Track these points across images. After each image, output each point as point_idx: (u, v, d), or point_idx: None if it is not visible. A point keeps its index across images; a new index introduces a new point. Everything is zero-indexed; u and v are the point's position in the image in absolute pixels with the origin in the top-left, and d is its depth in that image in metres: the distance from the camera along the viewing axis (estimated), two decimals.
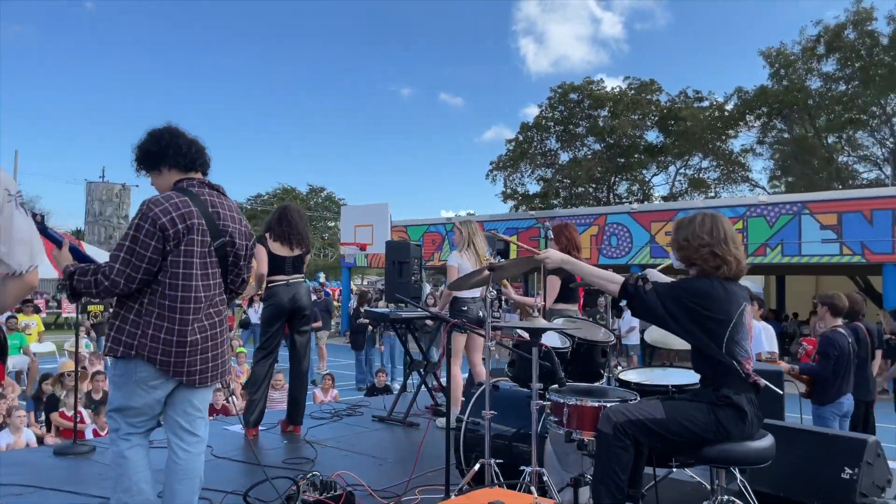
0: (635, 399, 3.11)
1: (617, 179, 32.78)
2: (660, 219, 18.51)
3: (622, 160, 31.57)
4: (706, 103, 30.01)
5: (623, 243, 18.90)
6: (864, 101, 24.64)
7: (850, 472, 3.45)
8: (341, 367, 14.81)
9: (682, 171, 32.16)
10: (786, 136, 28.03)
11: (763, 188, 29.87)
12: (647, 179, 33.23)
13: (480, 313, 6.19)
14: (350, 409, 6.76)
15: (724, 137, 30.04)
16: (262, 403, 5.56)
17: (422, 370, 6.44)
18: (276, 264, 5.49)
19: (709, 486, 3.81)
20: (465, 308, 6.03)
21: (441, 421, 6.14)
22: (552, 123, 32.49)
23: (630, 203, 31.16)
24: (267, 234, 5.54)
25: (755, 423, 2.81)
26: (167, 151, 2.96)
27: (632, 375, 3.56)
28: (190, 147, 2.99)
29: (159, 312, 2.79)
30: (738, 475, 3.36)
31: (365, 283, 34.82)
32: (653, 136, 31.72)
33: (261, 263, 5.46)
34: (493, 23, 63.45)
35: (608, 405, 2.99)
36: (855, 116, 25.45)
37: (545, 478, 3.07)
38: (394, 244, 8.25)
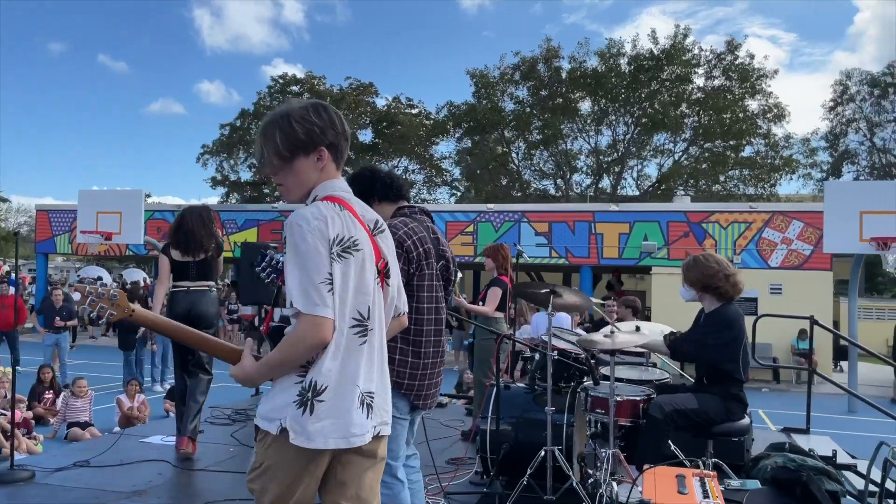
0: (652, 393, 4.23)
1: None
2: None
3: None
4: (416, 111, 32.69)
5: None
6: (545, 125, 29.30)
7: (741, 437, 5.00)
8: (101, 369, 13.55)
9: (396, 171, 34.52)
10: (482, 148, 31.62)
11: (460, 192, 33.49)
12: None
13: None
14: (235, 413, 6.81)
15: (429, 144, 33.05)
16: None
17: None
18: (179, 270, 5.37)
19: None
20: None
21: None
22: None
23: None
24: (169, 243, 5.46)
25: (745, 409, 4.14)
26: (375, 185, 3.17)
27: (623, 372, 4.69)
28: (392, 179, 3.23)
29: (403, 336, 2.85)
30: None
31: (75, 273, 31.23)
32: (366, 137, 33.46)
33: (162, 272, 5.42)
34: None
35: (650, 397, 4.08)
36: (537, 138, 30.06)
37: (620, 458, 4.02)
38: (249, 246, 8.30)
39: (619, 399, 4.07)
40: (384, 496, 3.08)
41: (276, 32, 58.59)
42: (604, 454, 3.92)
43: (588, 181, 32.22)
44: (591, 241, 18.53)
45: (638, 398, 4.11)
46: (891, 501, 4.13)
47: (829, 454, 5.32)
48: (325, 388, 2.00)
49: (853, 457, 5.63)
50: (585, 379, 4.68)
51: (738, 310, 4.16)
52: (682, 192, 24.57)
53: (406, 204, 3.22)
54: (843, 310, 19.67)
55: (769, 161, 26.14)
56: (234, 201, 33.13)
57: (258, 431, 2.13)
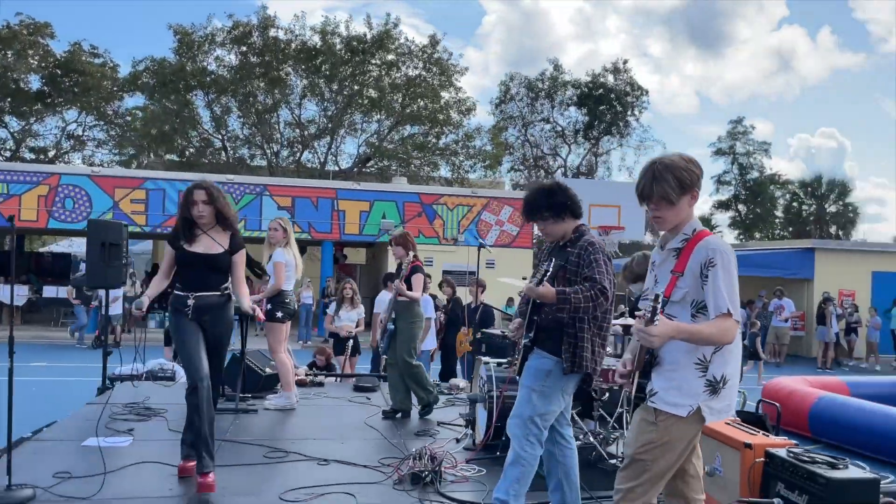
0: None
1: None
2: (125, 185, 18.32)
3: None
4: (101, 61, 29.18)
5: (81, 207, 17.91)
6: (250, 93, 28.67)
7: None
8: None
9: (70, 126, 30.36)
10: (177, 108, 29.49)
11: (156, 155, 30.81)
12: (25, 129, 29.92)
13: (296, 305, 6.92)
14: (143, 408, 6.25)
15: (114, 99, 29.95)
16: None
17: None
18: None
19: None
20: (288, 301, 6.67)
21: (268, 402, 6.61)
22: None
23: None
24: None
25: None
26: (572, 203, 3.74)
27: None
28: (578, 198, 3.79)
29: (598, 332, 3.65)
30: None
31: None
32: (35, 84, 28.86)
33: None
34: None
35: None
36: (240, 104, 29.21)
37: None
38: (99, 223, 7.41)
39: (612, 367, 5.16)
40: (567, 448, 3.76)
41: None
42: (619, 410, 4.98)
43: (286, 152, 32.29)
44: (333, 218, 19.19)
45: None
46: None
47: None
48: (728, 379, 2.74)
49: None
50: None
51: None
52: (400, 174, 26.31)
53: (581, 222, 3.84)
54: None
55: (463, 150, 29.35)
56: None
57: (658, 414, 2.74)
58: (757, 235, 43.25)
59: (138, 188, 18.28)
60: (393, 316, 6.47)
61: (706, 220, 48.72)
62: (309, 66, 28.25)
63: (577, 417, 5.08)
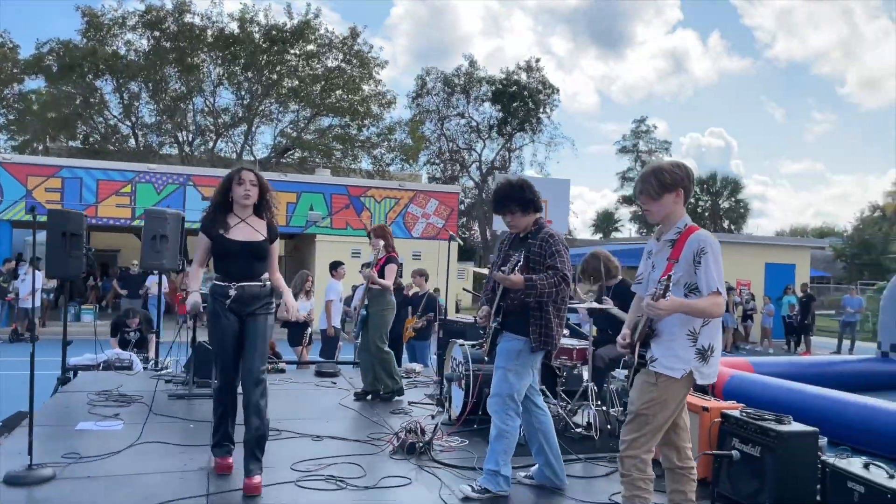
0: (588, 345, 5.99)
1: None
2: (39, 173, 17.60)
3: None
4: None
5: None
6: (162, 78, 27.88)
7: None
8: None
9: None
10: (81, 92, 28.30)
11: (54, 140, 29.41)
12: None
13: None
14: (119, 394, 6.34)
15: (13, 83, 28.40)
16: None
17: None
18: None
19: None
20: None
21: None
22: None
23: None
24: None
25: None
26: (537, 199, 4.16)
27: None
28: (539, 194, 4.21)
29: (557, 314, 4.09)
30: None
31: None
32: None
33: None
34: None
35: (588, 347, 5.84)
36: (148, 90, 28.34)
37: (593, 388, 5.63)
38: (60, 213, 7.35)
39: (577, 347, 5.76)
40: (542, 414, 4.27)
41: None
42: (584, 384, 5.58)
43: (199, 141, 31.55)
44: None
45: (584, 346, 5.83)
46: None
47: None
48: (714, 348, 3.31)
49: None
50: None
51: None
52: (322, 165, 26.28)
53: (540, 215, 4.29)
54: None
55: (384, 143, 29.62)
56: None
57: (658, 376, 3.29)
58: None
59: (53, 176, 17.59)
60: (366, 303, 6.84)
61: (609, 214, 51.07)
62: (225, 54, 27.76)
63: (546, 391, 5.64)
